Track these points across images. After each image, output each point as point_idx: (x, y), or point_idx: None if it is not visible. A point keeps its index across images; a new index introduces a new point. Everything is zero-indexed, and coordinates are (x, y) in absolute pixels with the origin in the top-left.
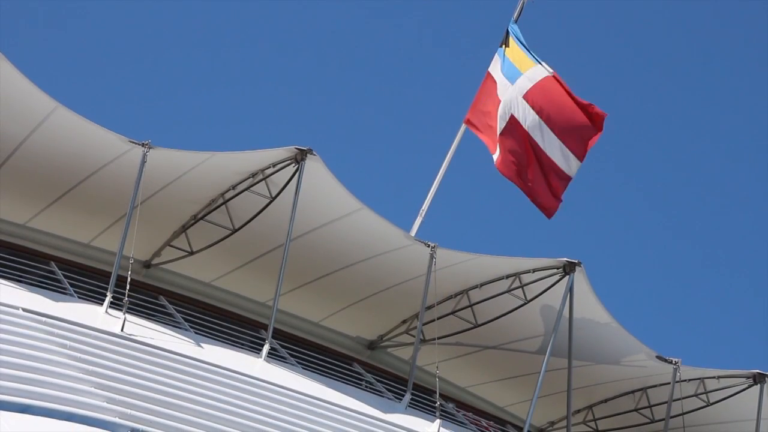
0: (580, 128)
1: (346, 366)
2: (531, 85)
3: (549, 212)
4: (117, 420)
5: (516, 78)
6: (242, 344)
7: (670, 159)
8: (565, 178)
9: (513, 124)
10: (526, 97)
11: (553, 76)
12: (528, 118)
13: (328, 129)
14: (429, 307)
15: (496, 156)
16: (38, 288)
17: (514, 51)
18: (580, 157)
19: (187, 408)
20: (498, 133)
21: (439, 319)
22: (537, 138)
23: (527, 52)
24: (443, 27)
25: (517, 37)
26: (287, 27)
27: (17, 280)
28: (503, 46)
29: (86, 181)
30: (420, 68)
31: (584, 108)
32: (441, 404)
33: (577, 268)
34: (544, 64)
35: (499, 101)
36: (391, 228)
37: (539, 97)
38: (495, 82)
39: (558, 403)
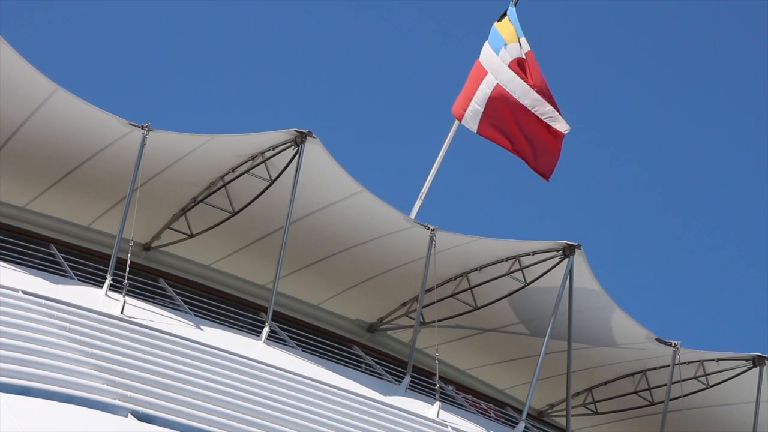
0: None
1: (346, 348)
2: (516, 55)
3: (546, 175)
4: (117, 402)
5: (500, 48)
6: (242, 327)
7: (669, 140)
8: (559, 136)
9: (499, 92)
10: (511, 65)
11: (529, 53)
12: (514, 84)
13: (327, 112)
14: (429, 290)
15: (471, 121)
16: (38, 271)
17: (504, 25)
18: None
19: (186, 390)
20: (484, 101)
21: (438, 301)
22: (526, 103)
23: (516, 26)
24: (442, 10)
25: (512, 17)
26: (286, 12)
27: (17, 263)
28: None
29: (86, 164)
30: (419, 52)
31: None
32: (441, 387)
33: (577, 251)
34: (523, 40)
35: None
36: (390, 211)
37: (525, 65)
38: (485, 69)
39: (557, 385)
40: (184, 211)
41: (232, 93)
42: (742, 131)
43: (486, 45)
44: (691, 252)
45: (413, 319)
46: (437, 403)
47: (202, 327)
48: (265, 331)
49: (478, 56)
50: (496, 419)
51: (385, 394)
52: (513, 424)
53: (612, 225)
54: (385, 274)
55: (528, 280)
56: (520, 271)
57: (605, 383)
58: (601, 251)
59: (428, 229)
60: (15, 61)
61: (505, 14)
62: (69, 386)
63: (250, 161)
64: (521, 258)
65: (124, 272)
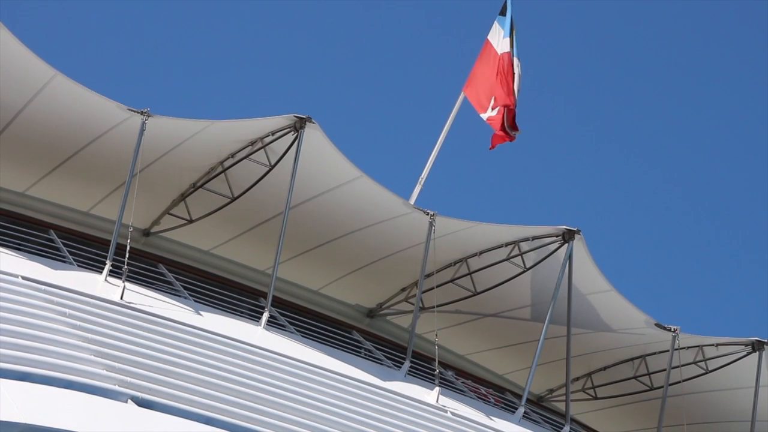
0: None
1: (346, 334)
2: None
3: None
4: (116, 388)
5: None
6: (241, 312)
7: (667, 126)
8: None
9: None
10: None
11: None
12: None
13: (326, 98)
14: (428, 275)
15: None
16: (37, 256)
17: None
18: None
19: (186, 376)
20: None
21: (438, 287)
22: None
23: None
24: None
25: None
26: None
27: (16, 249)
28: (503, 15)
29: (85, 149)
30: (419, 37)
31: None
32: (440, 372)
33: (576, 236)
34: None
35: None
36: (390, 196)
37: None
38: (494, 50)
39: (557, 370)
40: (183, 196)
41: (231, 80)
42: (739, 117)
43: (496, 37)
44: (690, 237)
45: (413, 304)
46: (437, 389)
47: (201, 312)
48: (265, 316)
49: (487, 35)
50: (495, 404)
51: (384, 380)
52: (512, 409)
53: (611, 210)
54: (385, 260)
55: (527, 266)
56: (520, 257)
57: (605, 368)
58: (601, 236)
59: (428, 214)
60: (14, 47)
61: (506, 5)
62: (69, 372)
63: (250, 147)
64: (521, 243)
65: (124, 258)
